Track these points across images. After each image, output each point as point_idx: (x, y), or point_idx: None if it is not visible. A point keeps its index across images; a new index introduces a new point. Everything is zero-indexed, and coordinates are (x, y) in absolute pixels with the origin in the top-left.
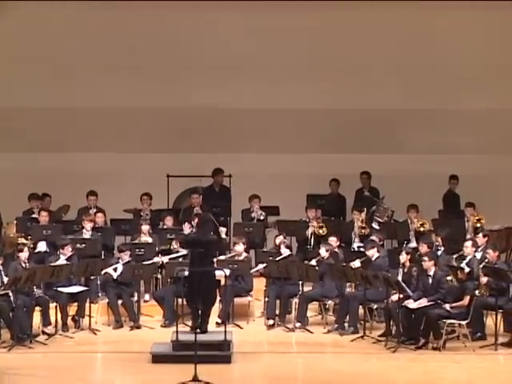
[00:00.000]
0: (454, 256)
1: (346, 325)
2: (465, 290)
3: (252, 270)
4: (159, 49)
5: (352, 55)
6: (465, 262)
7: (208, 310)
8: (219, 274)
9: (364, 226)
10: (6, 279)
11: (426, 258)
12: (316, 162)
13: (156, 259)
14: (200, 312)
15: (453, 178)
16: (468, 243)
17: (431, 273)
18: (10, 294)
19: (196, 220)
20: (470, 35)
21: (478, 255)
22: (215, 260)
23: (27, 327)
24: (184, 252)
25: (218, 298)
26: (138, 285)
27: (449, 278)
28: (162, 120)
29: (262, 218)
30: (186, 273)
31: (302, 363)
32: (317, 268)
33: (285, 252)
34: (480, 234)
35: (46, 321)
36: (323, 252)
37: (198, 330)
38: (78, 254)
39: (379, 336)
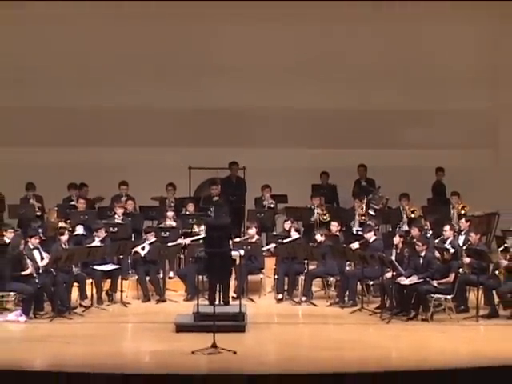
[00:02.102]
0: (437, 240)
1: (346, 299)
2: (450, 269)
3: (263, 249)
4: (183, 55)
5: (352, 61)
6: (447, 243)
7: (227, 284)
8: (235, 254)
9: (364, 213)
10: (45, 258)
11: (419, 243)
12: (320, 156)
13: (179, 241)
14: (222, 287)
15: (440, 170)
16: (446, 227)
17: (422, 254)
18: (52, 271)
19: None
20: (458, 47)
21: (462, 238)
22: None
23: (67, 300)
24: (203, 235)
25: (233, 276)
26: (163, 263)
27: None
28: (184, 118)
29: (272, 205)
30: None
31: (307, 332)
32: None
33: (294, 235)
34: (463, 220)
35: (83, 295)
36: (318, 237)
37: (222, 302)
38: (110, 236)
39: (375, 309)
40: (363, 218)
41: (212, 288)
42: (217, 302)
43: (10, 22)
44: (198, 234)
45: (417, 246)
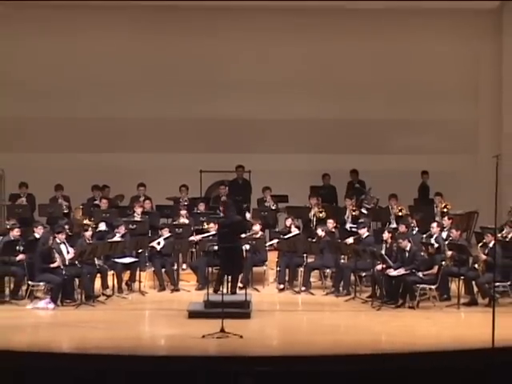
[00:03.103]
0: (424, 235)
1: (341, 289)
2: (434, 262)
3: (267, 244)
4: (196, 71)
5: (348, 76)
6: (432, 238)
7: (236, 277)
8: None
9: (354, 209)
10: (71, 252)
11: (400, 240)
12: (316, 160)
13: (191, 237)
14: (231, 278)
15: (424, 173)
16: (434, 224)
17: (408, 248)
18: (77, 263)
19: (222, 207)
20: (441, 63)
21: (444, 234)
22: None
23: (90, 290)
24: (213, 232)
25: None
26: (177, 257)
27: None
28: (196, 127)
29: (273, 207)
30: (216, 247)
31: (305, 319)
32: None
33: (294, 231)
34: (445, 217)
35: (105, 285)
36: (320, 232)
37: (229, 292)
38: (130, 232)
39: (367, 297)
40: (353, 213)
41: (219, 279)
42: (224, 292)
43: (39, 42)
44: (208, 231)
45: (399, 242)
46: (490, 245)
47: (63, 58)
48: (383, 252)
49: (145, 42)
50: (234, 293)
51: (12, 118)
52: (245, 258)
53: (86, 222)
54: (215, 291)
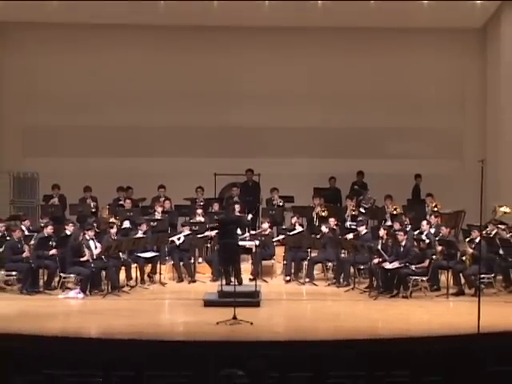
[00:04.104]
0: (416, 232)
1: (341, 280)
2: (425, 256)
3: (274, 239)
4: (212, 85)
5: (346, 89)
6: (423, 235)
7: (238, 268)
8: (251, 243)
9: (354, 209)
10: (99, 247)
11: (401, 233)
12: (319, 164)
13: (207, 233)
14: (235, 270)
15: (417, 176)
16: (424, 222)
17: (402, 243)
18: (104, 258)
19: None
20: (432, 77)
21: (433, 230)
22: (247, 234)
23: (116, 281)
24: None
25: (250, 261)
26: (194, 251)
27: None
28: (211, 135)
29: (280, 203)
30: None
31: (309, 307)
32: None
33: (298, 228)
34: (432, 216)
35: (129, 276)
36: (324, 229)
37: (236, 283)
38: (151, 229)
39: (365, 288)
40: (353, 213)
41: (226, 271)
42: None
43: (69, 59)
44: None
45: (398, 236)
46: (476, 240)
47: (91, 74)
48: (379, 247)
49: (166, 58)
50: (240, 283)
51: (45, 127)
52: (253, 252)
53: (111, 220)
54: (227, 283)
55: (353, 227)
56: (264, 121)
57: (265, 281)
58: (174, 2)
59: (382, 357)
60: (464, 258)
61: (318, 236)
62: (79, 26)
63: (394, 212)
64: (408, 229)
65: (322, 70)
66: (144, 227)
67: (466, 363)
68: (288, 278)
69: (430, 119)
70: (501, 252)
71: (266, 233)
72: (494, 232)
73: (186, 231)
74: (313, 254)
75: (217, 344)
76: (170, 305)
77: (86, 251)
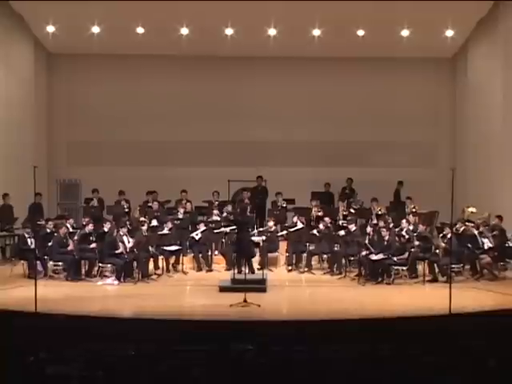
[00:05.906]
0: (397, 229)
1: (335, 269)
2: (405, 249)
3: (278, 235)
4: (227, 104)
5: (339, 109)
6: (403, 231)
7: (250, 260)
8: (259, 239)
9: (345, 210)
10: (131, 241)
11: (385, 230)
12: (316, 172)
13: (222, 229)
14: (248, 262)
15: (399, 182)
16: (403, 221)
17: (386, 238)
18: (135, 250)
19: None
20: (411, 97)
21: (411, 227)
22: (256, 231)
23: (146, 270)
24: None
25: (258, 253)
26: (211, 245)
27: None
28: (225, 147)
29: (284, 205)
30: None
31: (308, 292)
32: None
33: (299, 225)
34: (411, 215)
35: (156, 266)
36: (321, 226)
37: (249, 272)
38: (175, 227)
39: (354, 276)
40: (344, 213)
41: (239, 262)
42: (246, 272)
43: (111, 83)
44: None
45: (382, 232)
46: (448, 236)
47: (125, 97)
48: (367, 241)
49: (189, 84)
50: (253, 272)
51: (86, 141)
52: (260, 246)
53: (142, 219)
54: (239, 272)
55: (344, 225)
56: (270, 136)
57: (270, 270)
58: (195, 35)
59: (370, 333)
60: (438, 250)
61: (316, 232)
62: (117, 57)
63: (379, 212)
64: (391, 226)
65: (319, 93)
66: (169, 225)
67: (440, 338)
68: (290, 267)
69: (409, 134)
70: (468, 245)
71: (272, 230)
72: (461, 229)
73: (202, 227)
74: (311, 248)
75: (230, 322)
76: (191, 290)
77: (120, 245)
